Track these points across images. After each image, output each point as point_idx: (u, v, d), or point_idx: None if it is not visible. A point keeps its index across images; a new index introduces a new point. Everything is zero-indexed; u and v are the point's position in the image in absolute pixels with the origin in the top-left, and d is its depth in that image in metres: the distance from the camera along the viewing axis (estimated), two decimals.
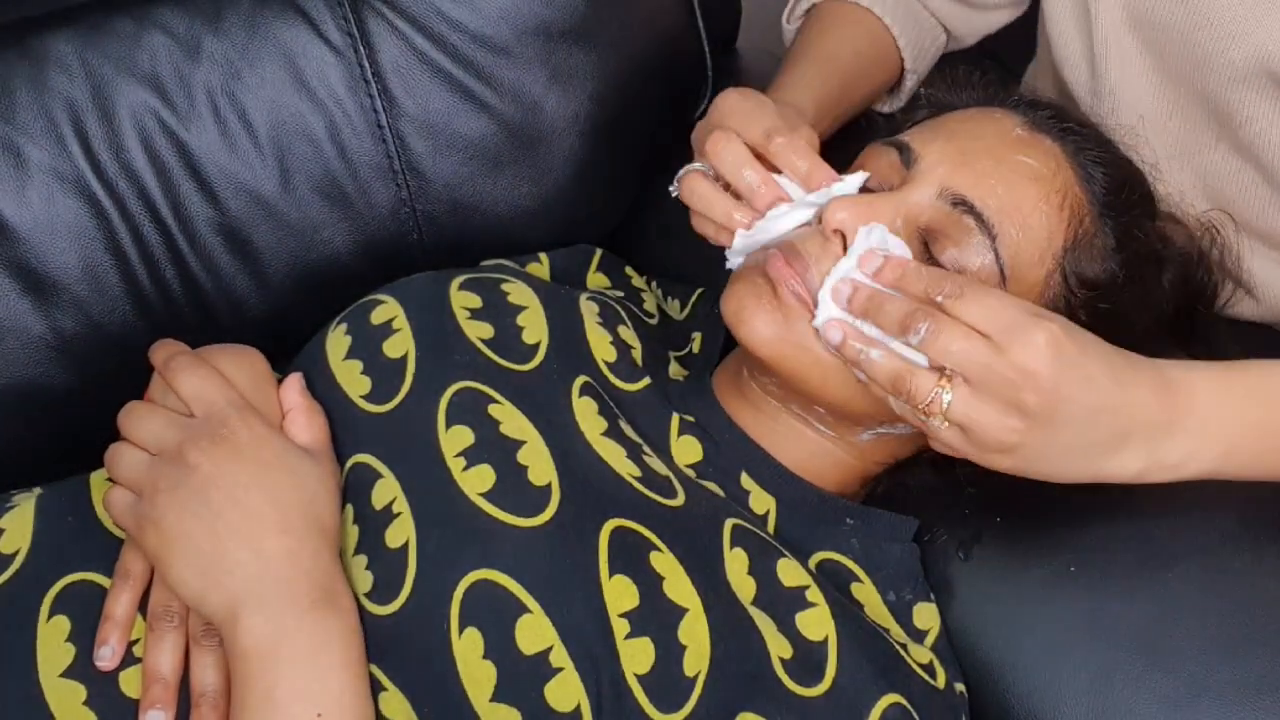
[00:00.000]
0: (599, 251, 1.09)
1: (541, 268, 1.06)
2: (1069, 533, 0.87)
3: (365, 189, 1.06)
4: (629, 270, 1.09)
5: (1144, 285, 0.90)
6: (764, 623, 0.79)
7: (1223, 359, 0.81)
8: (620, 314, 0.97)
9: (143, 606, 0.78)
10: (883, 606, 0.86)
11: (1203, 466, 0.79)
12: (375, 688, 0.75)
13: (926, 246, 0.84)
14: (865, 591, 0.87)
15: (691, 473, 0.88)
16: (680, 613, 0.76)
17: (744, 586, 0.80)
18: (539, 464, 0.81)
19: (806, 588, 0.82)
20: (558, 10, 1.07)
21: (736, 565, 0.81)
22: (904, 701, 0.79)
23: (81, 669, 0.76)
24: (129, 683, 0.77)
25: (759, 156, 0.87)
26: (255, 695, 0.72)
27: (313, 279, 1.07)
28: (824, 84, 1.04)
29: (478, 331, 0.88)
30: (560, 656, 0.73)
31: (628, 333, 0.95)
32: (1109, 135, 0.94)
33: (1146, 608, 0.83)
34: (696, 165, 0.90)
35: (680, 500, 0.83)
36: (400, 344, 0.87)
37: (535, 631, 0.74)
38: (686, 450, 0.89)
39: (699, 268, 1.04)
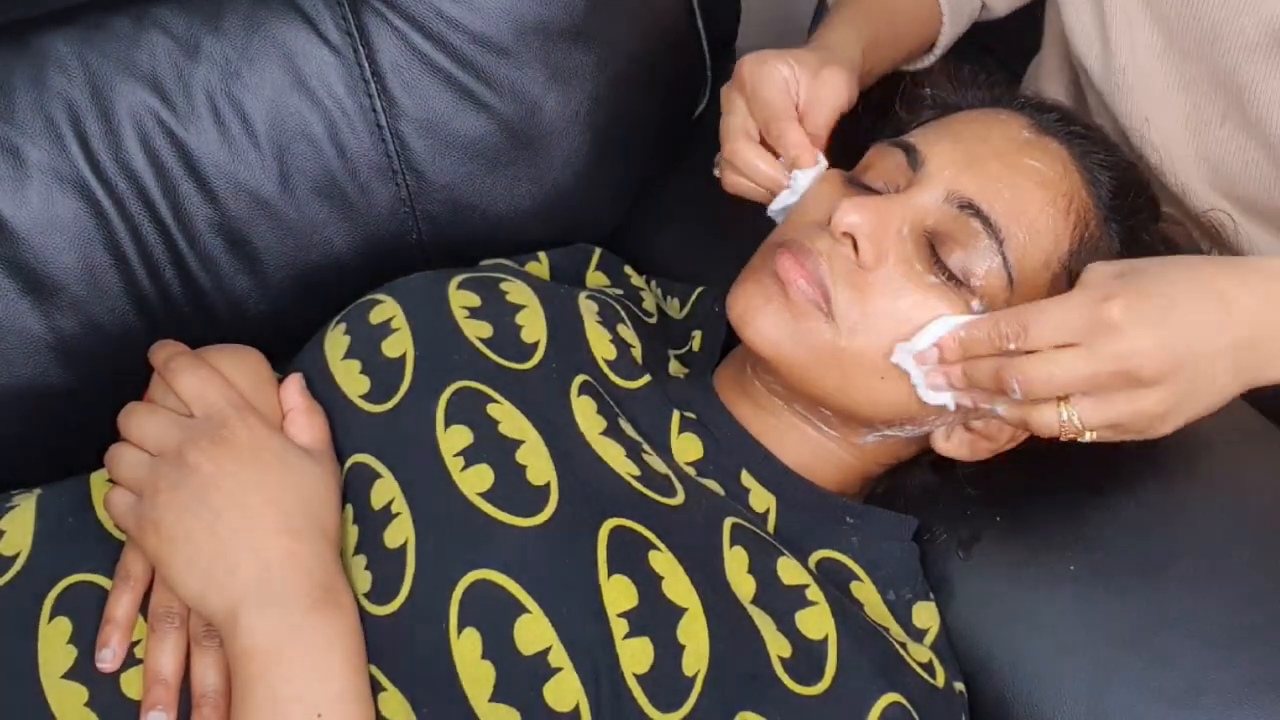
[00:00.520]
0: (598, 250, 1.09)
1: (541, 267, 1.06)
2: (1069, 532, 0.87)
3: (364, 189, 1.06)
4: (628, 269, 1.09)
5: None
6: (763, 622, 0.79)
7: None
8: (619, 312, 0.97)
9: (144, 608, 0.78)
10: (882, 605, 0.86)
11: None
12: (374, 688, 0.75)
13: (933, 249, 0.84)
14: (865, 590, 0.87)
15: (692, 470, 0.88)
16: (679, 612, 0.76)
17: (743, 585, 0.80)
18: (538, 463, 0.81)
19: (806, 586, 0.82)
20: (557, 10, 1.07)
21: (736, 564, 0.81)
22: (903, 700, 0.79)
23: (83, 670, 0.76)
24: (130, 684, 0.77)
25: None
26: (256, 696, 0.73)
27: (312, 279, 1.07)
28: (873, 29, 1.04)
29: (476, 331, 0.88)
30: (559, 656, 0.73)
31: (627, 331, 0.95)
32: (1114, 137, 0.94)
33: (1146, 607, 0.83)
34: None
35: (679, 499, 0.83)
36: (399, 343, 0.87)
37: (534, 631, 0.74)
38: (687, 448, 0.89)
39: (698, 267, 1.04)
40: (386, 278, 0.94)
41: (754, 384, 0.91)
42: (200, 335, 0.94)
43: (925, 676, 0.82)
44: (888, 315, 0.83)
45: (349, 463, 0.82)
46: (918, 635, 0.86)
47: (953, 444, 0.87)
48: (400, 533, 0.78)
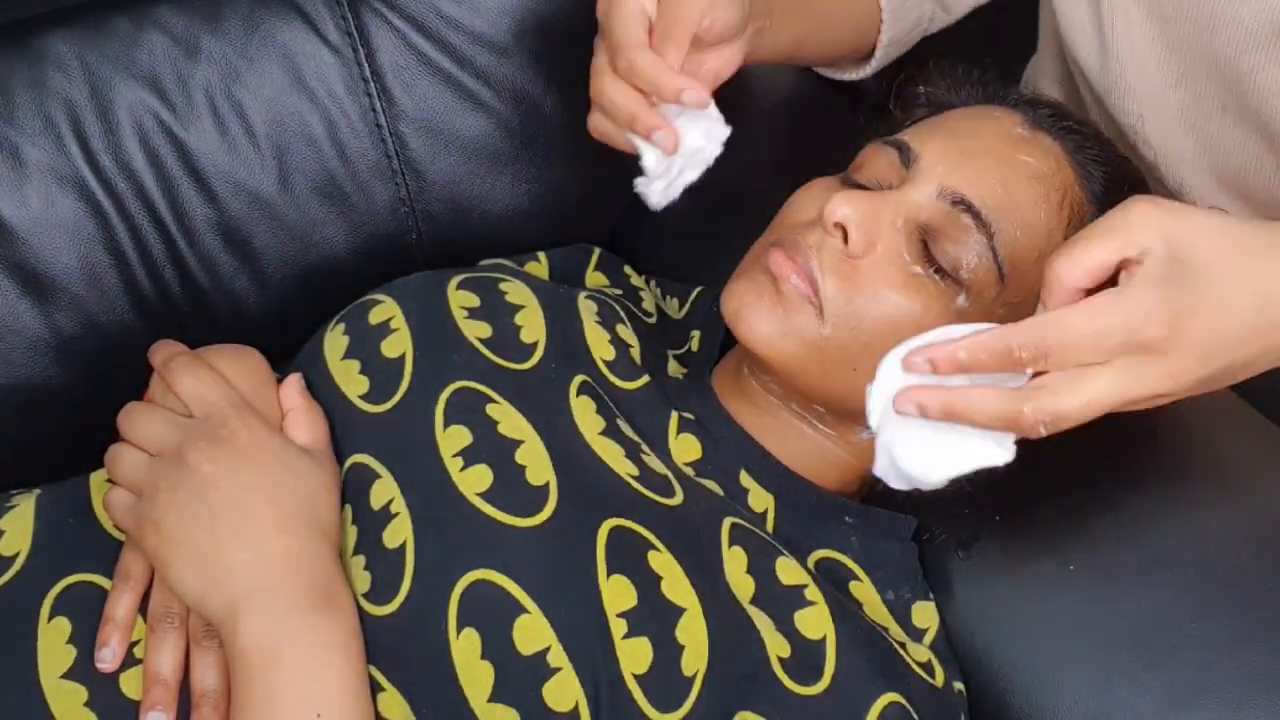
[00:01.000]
0: (597, 250, 1.09)
1: (540, 267, 1.06)
2: (1068, 532, 0.87)
3: (364, 188, 1.06)
4: (627, 269, 1.09)
5: None
6: (762, 622, 0.79)
7: None
8: (619, 312, 0.97)
9: (143, 608, 0.78)
10: (881, 605, 0.86)
11: None
12: (373, 688, 0.75)
13: (926, 245, 0.84)
14: (864, 590, 0.87)
15: (690, 471, 0.88)
16: (678, 612, 0.76)
17: (742, 585, 0.80)
18: (537, 464, 0.81)
19: (805, 586, 0.82)
20: (556, 9, 1.07)
21: (735, 564, 0.81)
22: (903, 700, 0.79)
23: (82, 670, 0.76)
24: (130, 684, 0.77)
25: None
26: (255, 696, 0.73)
27: (311, 278, 1.07)
28: None
29: (476, 331, 0.88)
30: (558, 656, 0.73)
31: (626, 331, 0.95)
32: (1110, 134, 0.94)
33: (1146, 606, 0.83)
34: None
35: (678, 499, 0.83)
36: (398, 344, 0.87)
37: (533, 631, 0.74)
38: (685, 448, 0.90)
39: (698, 267, 1.04)
40: (386, 278, 0.94)
41: (750, 383, 0.91)
42: (199, 335, 0.94)
43: (924, 676, 0.82)
44: (872, 304, 0.83)
45: (348, 463, 0.82)
46: (917, 635, 0.86)
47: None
48: (399, 533, 0.78)
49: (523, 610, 0.74)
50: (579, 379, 0.88)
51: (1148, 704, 0.80)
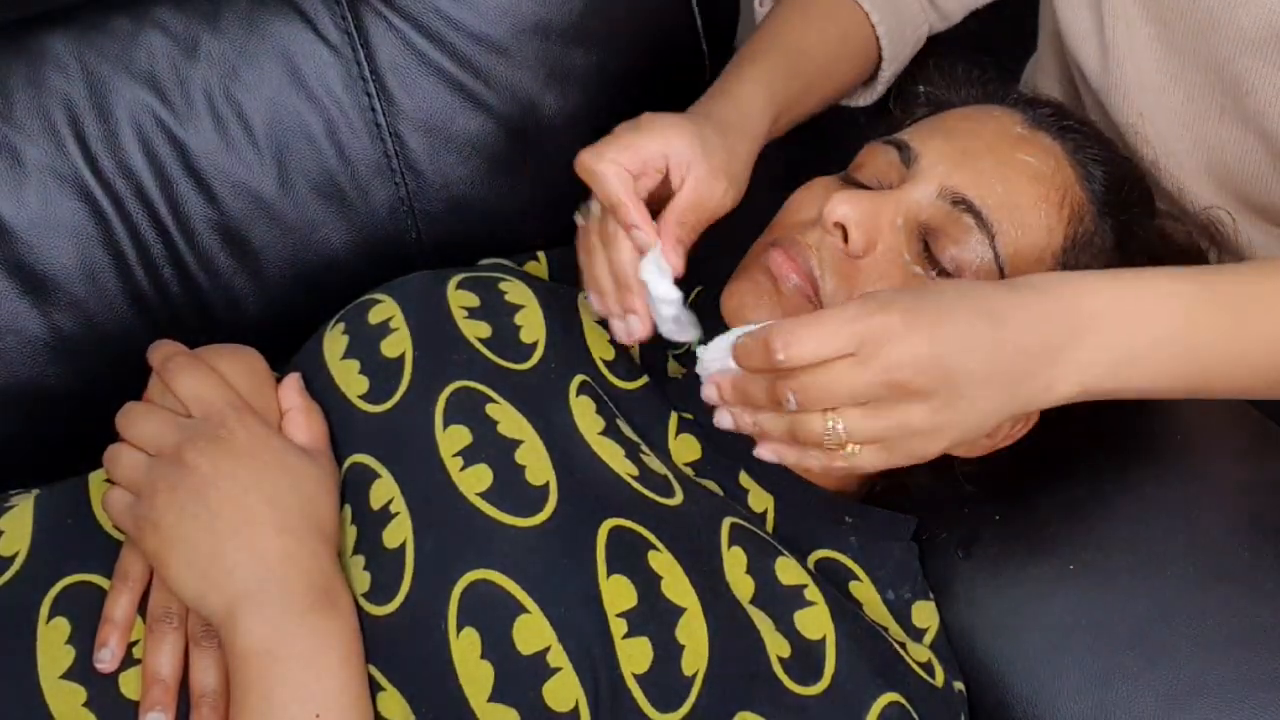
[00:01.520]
0: None
1: (540, 266, 1.06)
2: (1068, 531, 0.87)
3: (363, 188, 1.06)
4: None
5: None
6: (762, 622, 0.79)
7: None
8: None
9: (142, 608, 0.78)
10: (881, 605, 0.86)
11: (1112, 371, 0.74)
12: (373, 688, 0.75)
13: (926, 245, 0.84)
14: (864, 590, 0.87)
15: (690, 471, 0.88)
16: (678, 612, 0.76)
17: (742, 585, 0.80)
18: (536, 463, 0.80)
19: (805, 586, 0.82)
20: (555, 9, 1.07)
21: (735, 564, 0.81)
22: (902, 700, 0.79)
23: (81, 671, 0.76)
24: (129, 684, 0.77)
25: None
26: (254, 696, 0.72)
27: (311, 278, 1.07)
28: (789, 86, 0.97)
29: (475, 331, 0.88)
30: (558, 656, 0.73)
31: None
32: (1110, 133, 0.94)
33: (1145, 606, 0.83)
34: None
35: (678, 499, 0.83)
36: (398, 343, 0.87)
37: (533, 631, 0.74)
38: (685, 448, 0.89)
39: (697, 266, 1.04)
40: (385, 277, 0.94)
41: None
42: (199, 335, 0.94)
43: (924, 676, 0.82)
44: None
45: (347, 463, 0.82)
46: (917, 635, 0.86)
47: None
48: (399, 533, 0.78)
49: (523, 610, 0.74)
50: (579, 379, 0.88)
51: (1147, 703, 0.80)
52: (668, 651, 0.75)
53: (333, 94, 1.05)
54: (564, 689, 0.73)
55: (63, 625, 0.78)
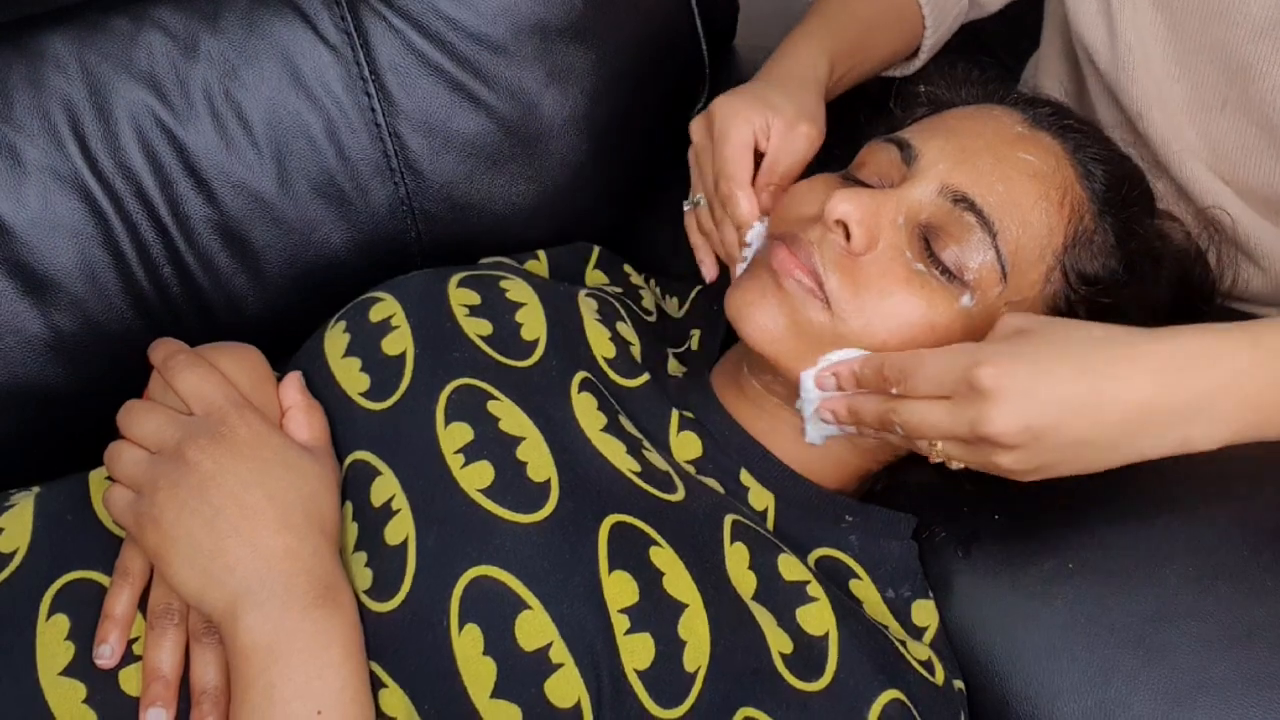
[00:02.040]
0: (597, 249, 1.09)
1: (540, 265, 1.06)
2: (1068, 530, 0.87)
3: (363, 187, 1.06)
4: (627, 268, 1.10)
5: (1144, 282, 0.90)
6: (764, 618, 0.79)
7: None
8: (619, 310, 0.97)
9: (143, 605, 0.78)
10: (881, 604, 0.86)
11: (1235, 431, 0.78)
12: (375, 685, 0.75)
13: (928, 244, 0.84)
14: (864, 588, 0.87)
15: (691, 468, 0.88)
16: (680, 608, 0.76)
17: (744, 581, 0.80)
18: (538, 460, 0.80)
19: (807, 583, 0.82)
20: (555, 9, 1.07)
21: (737, 560, 0.81)
22: (903, 697, 0.79)
23: (81, 667, 0.76)
24: (129, 681, 0.76)
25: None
26: (255, 693, 0.72)
27: (311, 277, 1.07)
28: (839, 41, 1.05)
29: (476, 328, 0.88)
30: (560, 652, 0.73)
31: (626, 329, 0.95)
32: (1119, 122, 0.94)
33: (1145, 605, 0.83)
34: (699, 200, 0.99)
35: (680, 495, 0.83)
36: (399, 341, 0.87)
37: (535, 628, 0.74)
38: (686, 446, 0.90)
39: (697, 265, 1.04)
40: (385, 276, 0.94)
41: (750, 382, 0.91)
42: (199, 334, 0.94)
43: (925, 674, 0.82)
44: (879, 302, 0.83)
45: (348, 460, 0.82)
46: (917, 633, 0.86)
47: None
48: (401, 529, 0.78)
49: (524, 606, 0.74)
50: (580, 376, 0.88)
51: (1147, 702, 0.79)
52: (670, 647, 0.75)
53: (332, 94, 1.05)
54: (566, 685, 0.73)
55: (62, 622, 0.78)
